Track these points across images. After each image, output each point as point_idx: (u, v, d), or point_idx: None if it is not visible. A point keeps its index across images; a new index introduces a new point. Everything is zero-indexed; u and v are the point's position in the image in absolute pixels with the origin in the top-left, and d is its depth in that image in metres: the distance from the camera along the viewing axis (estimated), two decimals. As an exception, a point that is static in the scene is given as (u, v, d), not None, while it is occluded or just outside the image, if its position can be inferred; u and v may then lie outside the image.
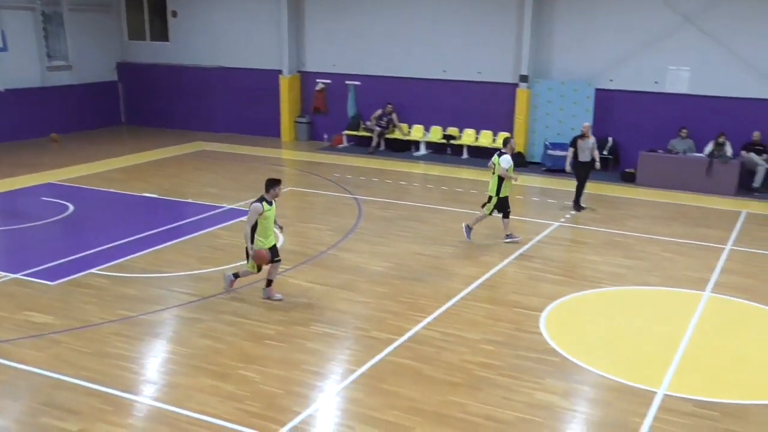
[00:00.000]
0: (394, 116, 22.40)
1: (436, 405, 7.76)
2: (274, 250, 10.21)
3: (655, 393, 8.13)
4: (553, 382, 8.36)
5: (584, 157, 15.50)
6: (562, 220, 15.18)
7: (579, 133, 15.81)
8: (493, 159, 13.19)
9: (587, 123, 16.03)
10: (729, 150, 17.86)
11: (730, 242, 13.88)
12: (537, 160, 20.64)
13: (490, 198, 13.23)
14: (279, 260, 10.36)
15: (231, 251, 12.46)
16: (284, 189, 13.64)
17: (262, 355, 8.81)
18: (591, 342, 9.50)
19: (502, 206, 13.27)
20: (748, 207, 16.61)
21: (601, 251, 13.19)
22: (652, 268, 12.32)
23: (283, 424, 7.30)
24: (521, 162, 20.54)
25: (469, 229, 13.58)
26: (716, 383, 8.47)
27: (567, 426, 7.55)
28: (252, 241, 9.95)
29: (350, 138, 23.43)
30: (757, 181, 17.83)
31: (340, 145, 23.26)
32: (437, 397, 7.91)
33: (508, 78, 20.94)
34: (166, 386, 8.13)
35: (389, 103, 22.35)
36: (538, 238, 13.85)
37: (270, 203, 10.01)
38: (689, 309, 10.59)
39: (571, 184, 18.53)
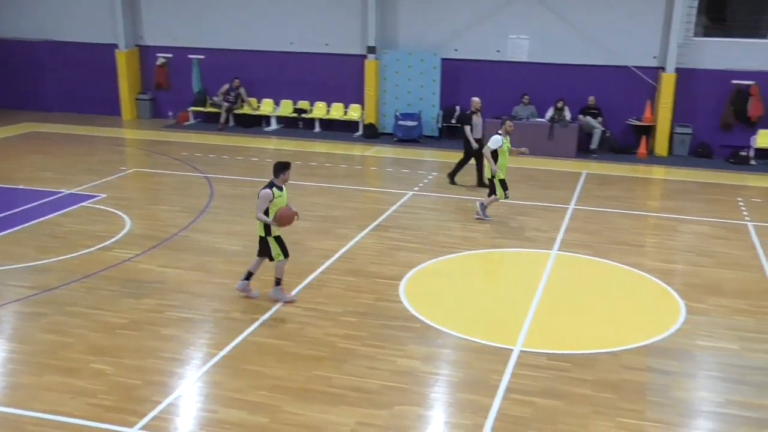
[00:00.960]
0: (242, 91, 21.83)
1: (301, 381, 7.66)
2: (282, 243, 9.49)
3: (511, 350, 8.42)
4: (415, 348, 8.48)
5: (477, 133, 15.38)
6: (416, 188, 15.40)
7: (471, 110, 15.45)
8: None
9: (477, 98, 15.70)
10: (568, 114, 18.76)
11: (573, 202, 14.62)
12: (388, 131, 20.81)
13: (491, 181, 13.16)
14: (287, 257, 9.57)
15: (74, 239, 11.71)
16: (128, 170, 12.96)
17: (115, 346, 8.34)
18: (449, 306, 9.71)
19: (502, 185, 13.07)
20: (587, 168, 17.56)
21: (454, 217, 13.50)
22: (503, 231, 12.76)
23: (142, 416, 6.95)
24: (373, 133, 20.68)
25: (483, 207, 13.33)
26: (567, 336, 8.90)
27: (430, 389, 7.68)
28: (268, 230, 9.33)
29: (197, 115, 22.64)
30: (594, 143, 18.87)
31: (187, 123, 22.43)
32: (302, 373, 7.81)
33: (356, 49, 20.91)
34: (7, 388, 7.52)
35: (236, 78, 21.76)
36: (393, 208, 13.98)
37: (280, 188, 9.36)
38: (539, 268, 11.05)
39: (421, 154, 18.83)
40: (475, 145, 15.25)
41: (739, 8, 19.34)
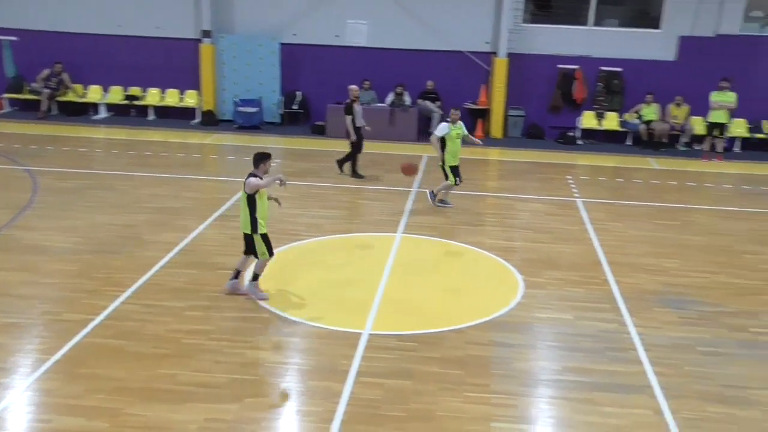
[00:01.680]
0: (64, 76, 20.48)
1: (144, 380, 7.27)
2: (268, 241, 9.12)
3: (361, 334, 8.43)
4: (264, 339, 8.30)
5: (359, 121, 15.03)
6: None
7: (350, 99, 14.90)
8: None
9: (354, 86, 15.33)
10: (407, 99, 19.08)
11: (416, 185, 14.87)
12: (228, 117, 20.28)
13: (442, 168, 13.19)
14: (272, 255, 9.27)
15: None
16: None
17: (-71, 359, 7.55)
18: (298, 294, 9.57)
19: (453, 172, 13.14)
20: (427, 151, 17.89)
21: (299, 204, 13.35)
22: (349, 216, 12.77)
23: (-38, 434, 6.33)
24: (211, 121, 20.08)
25: (433, 194, 13.36)
26: (414, 317, 9.02)
27: (281, 379, 7.53)
28: (255, 227, 8.97)
29: (13, 102, 21.02)
30: (434, 127, 19.29)
31: (2, 111, 20.75)
32: (145, 373, 7.42)
33: (190, 33, 20.17)
34: None
35: (58, 62, 20.36)
36: (236, 197, 13.61)
37: (262, 179, 8.99)
38: (385, 251, 11.15)
39: (263, 141, 18.49)
40: (353, 136, 14.93)
41: (563, -4, 20.44)
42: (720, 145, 17.96)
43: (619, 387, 7.62)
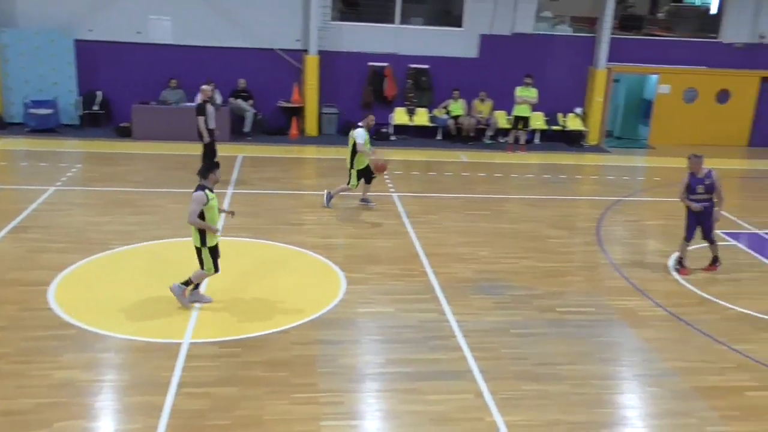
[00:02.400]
0: None
1: (-69, 417, 6.48)
2: (216, 251, 8.89)
3: (180, 344, 8.05)
4: (72, 357, 7.69)
5: (211, 123, 14.25)
6: (59, 183, 14.04)
7: (202, 100, 14.14)
8: (350, 133, 13.06)
9: (206, 86, 14.58)
10: (218, 98, 18.53)
11: (231, 186, 14.49)
12: (18, 120, 18.67)
13: (349, 171, 13.05)
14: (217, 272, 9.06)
15: None
16: None
17: None
18: (109, 307, 8.98)
19: (364, 175, 13.14)
20: (242, 151, 17.55)
21: (106, 211, 12.56)
22: (161, 222, 12.18)
23: None
24: None
25: (330, 196, 13.45)
26: (237, 321, 8.76)
27: (95, 398, 7.01)
28: (203, 240, 8.74)
29: None
30: (247, 126, 18.95)
31: None
32: (-68, 408, 6.62)
33: (-29, 30, 18.39)
34: None
35: None
36: (33, 206, 12.58)
37: (212, 190, 8.76)
38: (202, 255, 10.73)
39: (61, 144, 17.33)
40: (206, 138, 14.17)
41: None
42: (523, 138, 19.05)
43: (441, 374, 7.82)
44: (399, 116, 19.87)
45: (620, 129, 21.56)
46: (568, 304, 9.84)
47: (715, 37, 20.56)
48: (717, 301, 10.14)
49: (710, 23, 21.20)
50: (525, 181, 16.36)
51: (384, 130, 19.68)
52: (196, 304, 9.06)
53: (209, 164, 9.10)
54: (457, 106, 19.53)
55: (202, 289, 9.41)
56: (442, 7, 21.34)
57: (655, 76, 20.48)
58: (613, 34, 19.80)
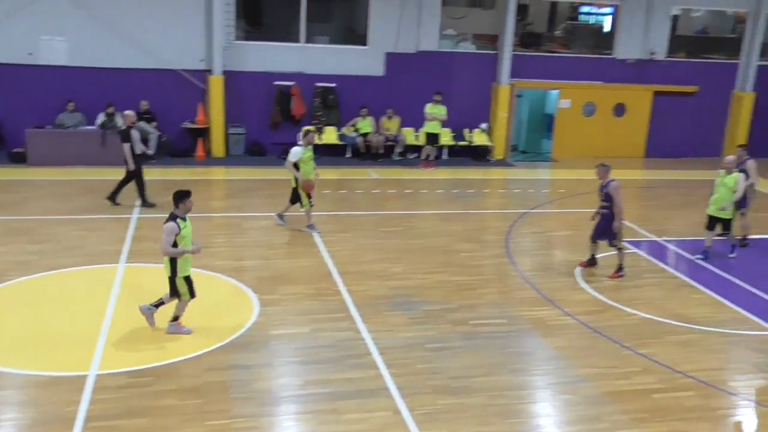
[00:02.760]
0: None
1: None
2: (190, 281, 8.75)
3: (86, 376, 7.73)
4: (-32, 398, 7.25)
5: (137, 148, 13.92)
6: (-50, 212, 13.31)
7: (126, 125, 14.08)
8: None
9: (129, 111, 14.36)
10: (119, 120, 18.00)
11: (136, 211, 14.06)
12: None
13: (296, 192, 12.98)
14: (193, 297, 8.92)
15: None
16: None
17: None
18: (7, 342, 8.53)
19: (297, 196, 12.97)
20: (147, 174, 16.99)
21: (1, 241, 11.97)
22: (62, 250, 11.69)
23: None
24: None
25: (281, 217, 13.44)
26: (146, 350, 8.47)
27: (-6, 441, 6.63)
28: (174, 270, 8.58)
29: None
30: (152, 148, 18.44)
31: None
32: None
33: None
34: None
35: None
36: None
37: (184, 219, 8.62)
38: (107, 284, 10.37)
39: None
40: (132, 165, 13.84)
41: (274, 14, 20.65)
42: (433, 154, 19.30)
43: (359, 393, 7.78)
44: (308, 135, 19.78)
45: (525, 143, 22.13)
46: (481, 316, 9.98)
47: (609, 54, 21.41)
48: (622, 307, 10.49)
49: (604, 40, 22.10)
50: (435, 196, 16.56)
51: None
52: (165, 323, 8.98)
53: (181, 192, 8.77)
54: (366, 124, 19.63)
55: (110, 311, 9.07)
56: (347, 25, 21.45)
57: (555, 91, 21.16)
58: (514, 51, 20.35)
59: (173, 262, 8.64)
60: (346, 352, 8.71)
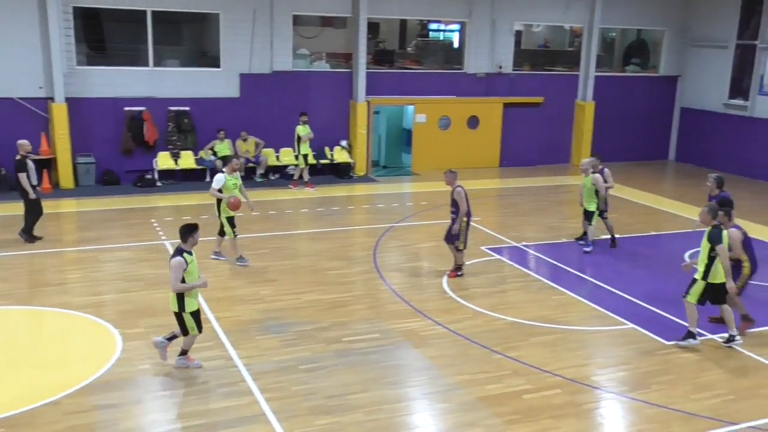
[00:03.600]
0: None
1: None
2: (197, 316, 8.52)
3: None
4: None
5: (33, 179, 13.36)
6: None
7: (21, 155, 13.44)
8: None
9: (24, 141, 13.68)
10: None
11: (-22, 249, 13.07)
12: None
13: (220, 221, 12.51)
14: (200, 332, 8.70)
15: None
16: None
17: None
18: None
19: (230, 223, 12.45)
20: (-13, 210, 15.93)
21: None
22: None
23: None
24: None
25: (218, 254, 12.81)
26: (0, 397, 7.85)
27: None
28: (182, 306, 8.38)
29: None
30: None
31: None
32: None
33: None
34: None
35: None
36: None
37: (190, 253, 8.43)
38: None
39: None
40: (32, 194, 13.25)
41: (119, 37, 19.86)
42: (298, 173, 19.21)
43: (235, 421, 7.55)
44: (163, 161, 19.15)
45: (385, 158, 22.44)
46: (354, 333, 9.96)
47: (460, 69, 22.15)
48: (489, 313, 10.79)
49: (455, 56, 22.84)
50: (300, 216, 16.43)
51: (149, 176, 18.86)
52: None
53: (189, 227, 8.54)
54: (224, 147, 19.23)
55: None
56: (198, 48, 21.01)
57: (411, 107, 21.61)
58: (368, 68, 20.64)
59: (180, 297, 8.40)
60: (218, 380, 8.43)
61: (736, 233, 9.98)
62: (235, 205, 12.27)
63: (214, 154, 19.24)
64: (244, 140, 19.47)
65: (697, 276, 9.62)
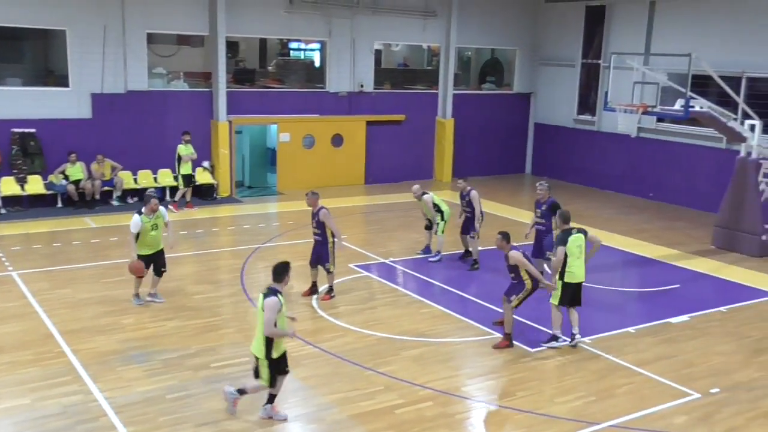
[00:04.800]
0: None
1: None
2: (274, 369, 7.81)
3: None
4: None
5: None
6: None
7: None
8: None
9: None
10: None
11: None
12: None
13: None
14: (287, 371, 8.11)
15: None
16: None
17: None
18: None
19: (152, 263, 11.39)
20: None
21: None
22: None
23: None
24: None
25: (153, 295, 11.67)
26: None
27: None
28: (269, 351, 7.71)
29: None
30: None
31: None
32: None
33: None
34: None
35: None
36: None
37: (282, 294, 7.79)
38: None
39: None
40: None
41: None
42: (189, 194, 18.68)
43: (97, 461, 7.10)
44: (7, 186, 17.90)
45: (250, 178, 22.09)
46: (223, 358, 9.67)
47: (322, 87, 22.21)
48: (360, 330, 10.79)
49: (317, 75, 22.88)
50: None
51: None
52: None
53: (283, 265, 7.96)
54: (76, 170, 18.26)
55: None
56: (44, 66, 19.92)
57: (275, 126, 21.42)
58: (229, 87, 20.29)
59: (269, 342, 7.76)
60: (77, 417, 7.93)
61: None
62: (137, 271, 11.21)
63: (66, 178, 18.24)
64: (99, 163, 18.59)
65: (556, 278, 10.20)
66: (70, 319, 10.82)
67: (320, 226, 11.73)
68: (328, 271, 11.95)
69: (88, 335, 10.25)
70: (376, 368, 9.46)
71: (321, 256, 11.86)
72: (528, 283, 10.03)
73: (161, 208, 11.34)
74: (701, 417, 8.49)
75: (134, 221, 11.16)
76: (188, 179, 18.66)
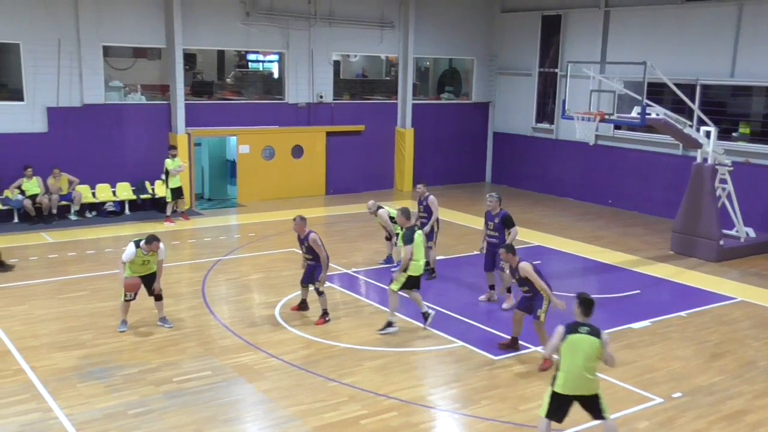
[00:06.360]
0: None
1: None
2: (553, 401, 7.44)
3: None
4: None
5: None
6: None
7: None
8: None
9: None
10: None
11: None
12: None
13: None
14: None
15: None
16: None
17: None
18: None
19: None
20: None
21: None
22: None
23: None
24: None
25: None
26: None
27: None
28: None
29: None
30: None
31: None
32: None
33: None
34: None
35: None
36: None
37: None
38: None
39: None
40: None
41: None
42: (181, 207, 18.62)
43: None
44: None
45: (210, 191, 21.94)
46: (185, 372, 9.59)
47: (281, 99, 22.18)
48: (323, 341, 10.78)
49: (275, 86, 22.87)
50: (121, 254, 15.61)
51: (-55, 219, 17.24)
52: None
53: (590, 300, 7.46)
54: (32, 185, 17.96)
55: None
56: (-2, 80, 19.64)
57: (234, 138, 21.32)
58: (187, 100, 20.16)
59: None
60: (35, 437, 7.80)
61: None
62: (132, 286, 10.91)
63: (22, 192, 17.93)
64: (56, 177, 18.31)
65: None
66: (28, 335, 10.64)
67: (311, 251, 11.40)
68: (319, 293, 11.52)
69: (46, 352, 10.09)
70: (339, 379, 9.47)
71: (314, 275, 11.48)
72: (543, 292, 10.04)
73: (161, 246, 10.96)
74: (663, 422, 8.65)
75: (129, 252, 10.81)
76: (177, 192, 18.51)
